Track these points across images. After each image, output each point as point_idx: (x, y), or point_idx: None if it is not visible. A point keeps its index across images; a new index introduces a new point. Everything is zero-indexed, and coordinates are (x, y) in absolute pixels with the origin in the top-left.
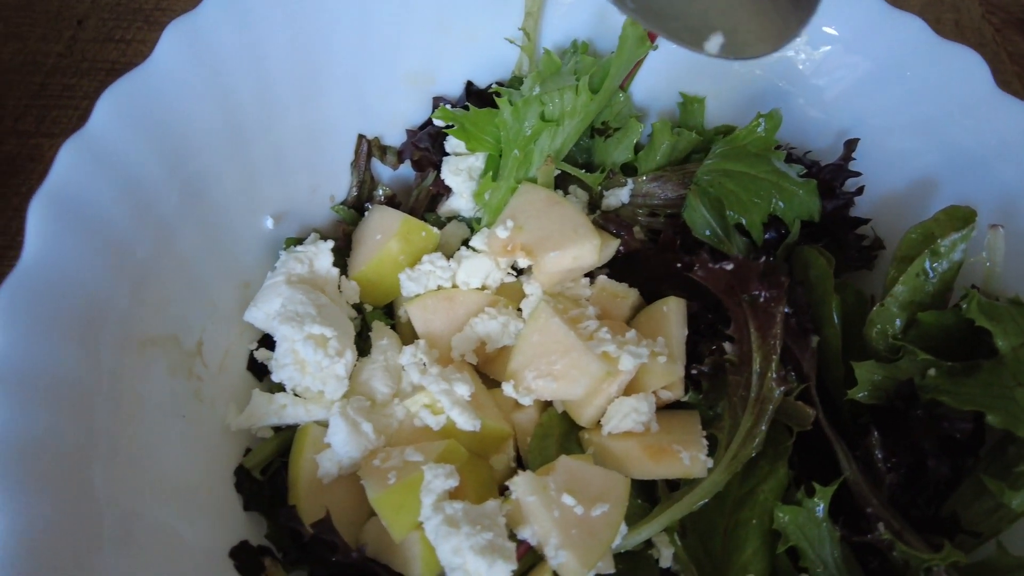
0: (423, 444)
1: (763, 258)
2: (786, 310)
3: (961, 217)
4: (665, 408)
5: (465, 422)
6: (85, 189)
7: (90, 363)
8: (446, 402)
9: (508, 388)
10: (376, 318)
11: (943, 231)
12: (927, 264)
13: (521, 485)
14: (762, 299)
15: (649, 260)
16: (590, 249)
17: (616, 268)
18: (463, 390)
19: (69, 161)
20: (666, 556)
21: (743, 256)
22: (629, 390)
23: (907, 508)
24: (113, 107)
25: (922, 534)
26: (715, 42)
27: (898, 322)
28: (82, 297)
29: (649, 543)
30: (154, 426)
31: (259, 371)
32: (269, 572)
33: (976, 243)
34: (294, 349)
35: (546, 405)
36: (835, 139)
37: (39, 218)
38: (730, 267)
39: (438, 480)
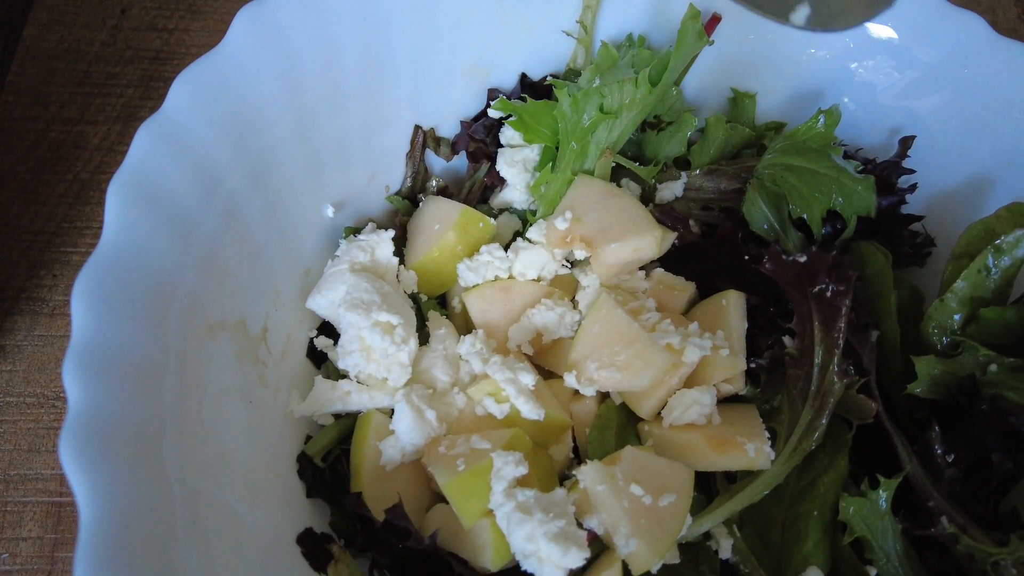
0: (489, 432)
1: (833, 252)
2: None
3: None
4: (723, 401)
5: (530, 411)
6: (160, 172)
7: (162, 345)
8: (511, 391)
9: (570, 379)
10: (431, 308)
11: (1005, 228)
12: (989, 260)
13: (589, 474)
14: (829, 293)
15: (704, 254)
16: (651, 241)
17: (669, 262)
18: (528, 379)
19: (145, 143)
20: (725, 547)
21: (815, 250)
22: (690, 383)
23: (966, 503)
24: (187, 90)
25: (983, 529)
26: (802, 13)
27: (957, 317)
28: (157, 280)
29: (707, 535)
30: (222, 410)
31: (317, 359)
32: (338, 559)
33: None
34: (361, 336)
35: (604, 396)
36: (887, 137)
37: (117, 200)
38: (803, 259)
39: (508, 467)
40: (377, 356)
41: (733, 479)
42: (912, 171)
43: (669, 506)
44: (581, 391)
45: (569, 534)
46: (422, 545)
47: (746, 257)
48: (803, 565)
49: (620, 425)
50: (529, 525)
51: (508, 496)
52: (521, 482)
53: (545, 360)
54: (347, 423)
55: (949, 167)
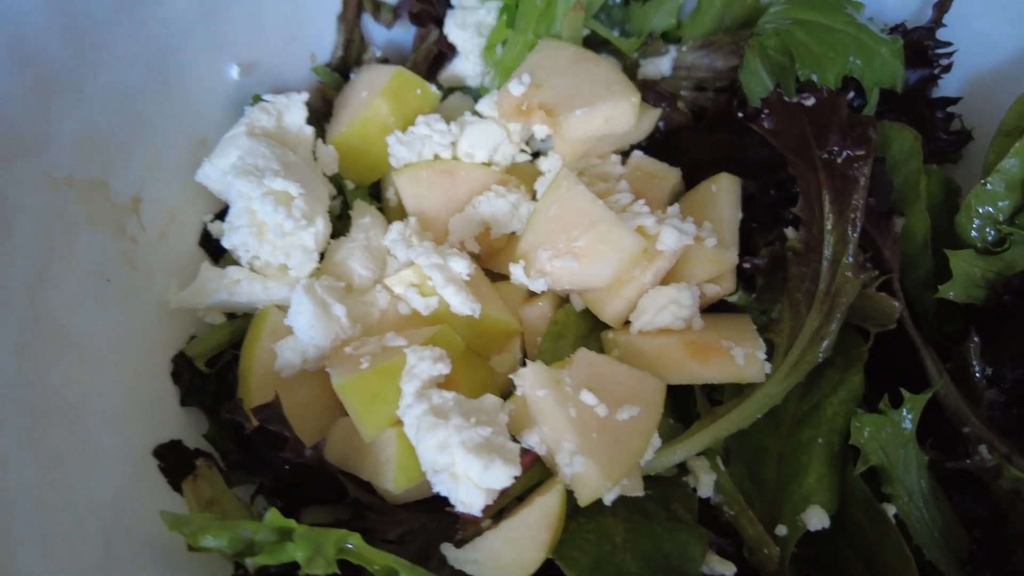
0: (409, 330)
1: (850, 95)
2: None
3: None
4: (708, 310)
5: (461, 303)
6: None
7: None
8: (438, 279)
9: (517, 271)
10: (359, 198)
11: None
12: None
13: (529, 377)
14: (842, 158)
15: (695, 140)
16: (626, 108)
17: (652, 149)
18: (460, 266)
19: None
20: (706, 484)
21: (825, 90)
22: (667, 282)
23: (1008, 433)
24: None
25: None
26: None
27: (1004, 204)
28: None
29: (683, 469)
30: (67, 282)
31: (215, 251)
32: (200, 473)
33: None
34: (251, 208)
35: (562, 301)
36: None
37: None
38: (811, 102)
39: (424, 363)
40: (271, 235)
41: (718, 402)
42: (948, 43)
43: (630, 420)
44: (529, 286)
45: (495, 445)
46: (303, 458)
47: (740, 115)
48: (803, 504)
49: (580, 335)
50: (443, 431)
51: (421, 397)
52: (443, 386)
53: (495, 263)
54: (242, 325)
55: (981, 54)
